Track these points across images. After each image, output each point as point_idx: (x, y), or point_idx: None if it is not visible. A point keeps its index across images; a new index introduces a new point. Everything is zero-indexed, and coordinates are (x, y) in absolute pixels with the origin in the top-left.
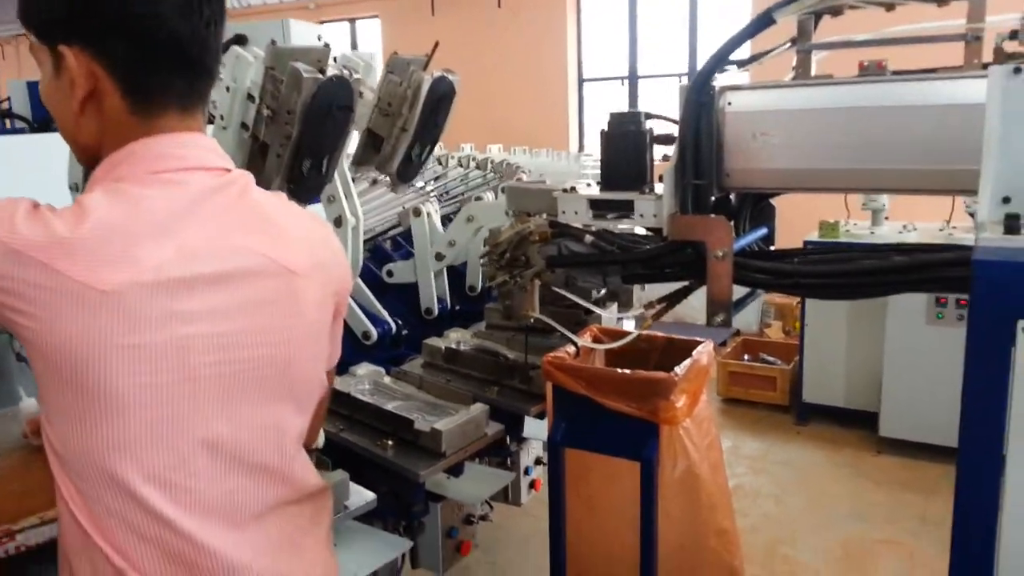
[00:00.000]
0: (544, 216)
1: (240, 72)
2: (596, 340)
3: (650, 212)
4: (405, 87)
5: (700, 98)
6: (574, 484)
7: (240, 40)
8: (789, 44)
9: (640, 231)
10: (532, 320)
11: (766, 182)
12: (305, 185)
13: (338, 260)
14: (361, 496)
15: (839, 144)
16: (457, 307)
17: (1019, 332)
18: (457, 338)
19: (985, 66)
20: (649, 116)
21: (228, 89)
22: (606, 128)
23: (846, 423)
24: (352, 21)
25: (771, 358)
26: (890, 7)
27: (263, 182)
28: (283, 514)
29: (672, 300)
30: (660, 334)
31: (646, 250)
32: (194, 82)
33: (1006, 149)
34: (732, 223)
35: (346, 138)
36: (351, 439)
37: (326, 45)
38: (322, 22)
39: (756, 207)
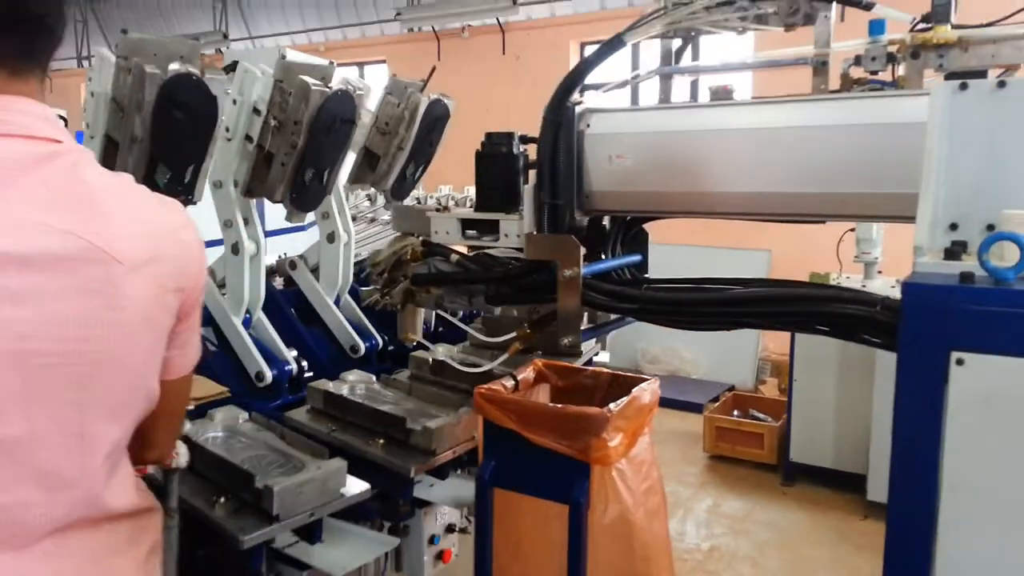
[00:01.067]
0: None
1: (247, 86)
2: (540, 374)
3: (514, 232)
4: (403, 108)
5: (556, 118)
6: (502, 527)
7: (232, 69)
8: (654, 71)
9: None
10: (415, 343)
11: (622, 204)
12: (307, 195)
13: (188, 255)
14: (357, 485)
15: (688, 168)
16: (440, 328)
17: (952, 365)
18: (444, 352)
19: (835, 91)
20: (525, 140)
21: (235, 102)
22: (480, 149)
23: (834, 485)
24: (361, 65)
25: (761, 415)
26: (742, 31)
27: (267, 190)
28: (83, 536)
29: (538, 325)
30: (606, 370)
31: (505, 270)
32: (31, 41)
33: (952, 172)
34: (599, 247)
35: (346, 151)
36: (343, 439)
37: (331, 63)
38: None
39: (628, 233)
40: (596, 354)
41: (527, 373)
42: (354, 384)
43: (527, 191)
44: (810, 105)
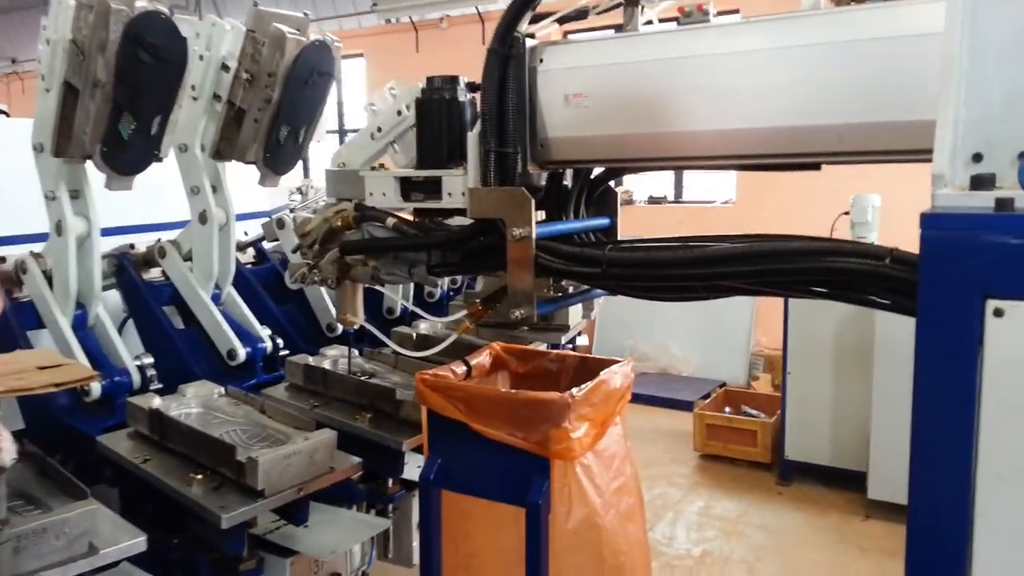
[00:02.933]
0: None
1: (215, 41)
2: (497, 360)
3: (458, 190)
4: (270, 50)
5: (503, 51)
6: (451, 535)
7: None
8: None
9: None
10: (355, 327)
11: (582, 153)
12: (281, 154)
13: None
14: (347, 459)
15: (658, 105)
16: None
17: (989, 316)
18: (428, 327)
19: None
20: (474, 87)
21: (201, 58)
22: (419, 96)
23: (832, 483)
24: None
25: (753, 411)
26: None
27: (238, 151)
28: None
29: (491, 300)
30: (573, 353)
31: (447, 234)
32: None
33: (975, 91)
34: (559, 210)
35: (323, 109)
36: (327, 414)
37: (306, 14)
38: None
39: (594, 192)
40: (579, 333)
41: (482, 358)
42: (336, 359)
43: (471, 140)
44: (801, 21)
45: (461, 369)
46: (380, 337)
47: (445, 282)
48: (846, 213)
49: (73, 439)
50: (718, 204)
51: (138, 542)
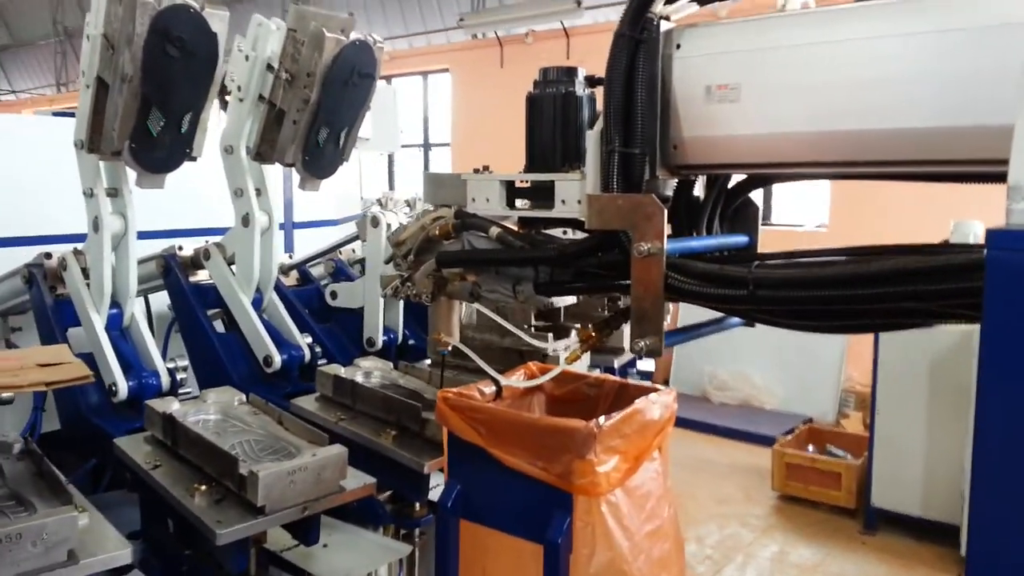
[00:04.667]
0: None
1: (261, 41)
2: (532, 379)
3: (574, 197)
4: (310, 49)
5: (633, 35)
6: (468, 568)
7: None
8: None
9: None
10: (449, 349)
11: (727, 156)
12: (320, 158)
13: None
14: (360, 479)
15: (830, 96)
16: (411, 341)
17: None
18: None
19: None
20: (595, 81)
21: (247, 59)
22: (531, 90)
23: (923, 536)
24: (424, 75)
25: (839, 451)
26: None
27: (278, 152)
28: None
29: (607, 326)
30: (612, 378)
31: (557, 246)
32: None
33: None
34: (689, 225)
35: (365, 111)
36: (352, 429)
37: (350, 14)
38: (395, 75)
39: (732, 204)
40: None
41: (515, 377)
42: (369, 370)
43: (591, 139)
44: None
45: (490, 389)
46: (476, 360)
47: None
48: (946, 241)
49: (100, 440)
50: (809, 228)
51: (122, 554)
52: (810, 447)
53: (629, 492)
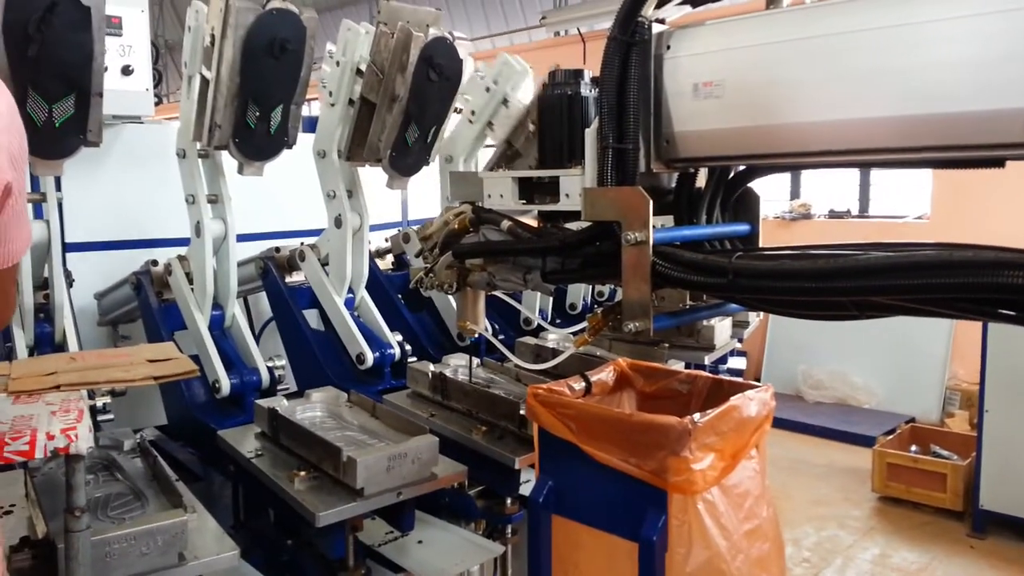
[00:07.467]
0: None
1: (350, 46)
2: (622, 376)
3: (575, 191)
4: (398, 48)
5: (624, 37)
6: (561, 564)
7: None
8: None
9: None
10: (476, 335)
11: (714, 149)
12: (408, 156)
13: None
14: (452, 467)
15: (812, 87)
16: (500, 336)
17: None
18: (555, 339)
19: None
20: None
21: (338, 64)
22: (540, 92)
23: None
24: None
25: (944, 452)
26: None
27: (369, 150)
28: None
29: (610, 312)
30: (705, 374)
31: (560, 236)
32: None
33: None
34: (692, 215)
35: (450, 111)
36: (442, 424)
37: (438, 10)
38: None
39: (732, 194)
40: (733, 353)
41: (604, 374)
42: (458, 368)
43: (589, 136)
44: None
45: (580, 385)
46: (500, 348)
47: (588, 292)
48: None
49: (204, 434)
50: (910, 220)
51: (229, 556)
52: (913, 447)
53: (726, 491)
